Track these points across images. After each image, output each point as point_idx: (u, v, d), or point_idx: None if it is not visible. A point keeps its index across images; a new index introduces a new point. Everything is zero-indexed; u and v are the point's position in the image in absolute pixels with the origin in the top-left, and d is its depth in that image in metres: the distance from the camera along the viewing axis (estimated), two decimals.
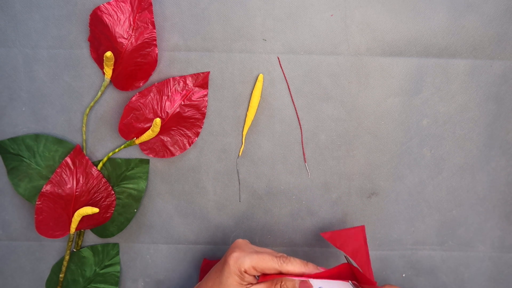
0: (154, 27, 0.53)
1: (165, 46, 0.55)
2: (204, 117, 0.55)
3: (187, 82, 0.55)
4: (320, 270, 0.45)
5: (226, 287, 0.45)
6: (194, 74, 0.55)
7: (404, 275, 0.59)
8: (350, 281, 0.46)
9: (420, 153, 0.57)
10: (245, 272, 0.44)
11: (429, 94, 0.56)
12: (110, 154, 0.56)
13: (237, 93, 0.56)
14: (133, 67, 0.54)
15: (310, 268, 0.45)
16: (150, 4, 0.52)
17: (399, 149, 0.57)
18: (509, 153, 0.58)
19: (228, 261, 0.45)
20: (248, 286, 0.45)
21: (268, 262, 0.44)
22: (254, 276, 0.46)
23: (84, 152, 0.56)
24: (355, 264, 0.46)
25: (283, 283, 0.45)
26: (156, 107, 0.54)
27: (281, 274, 0.45)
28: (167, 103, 0.54)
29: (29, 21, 0.54)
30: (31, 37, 0.54)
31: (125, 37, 0.53)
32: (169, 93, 0.54)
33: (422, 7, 0.54)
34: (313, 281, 0.45)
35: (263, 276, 0.45)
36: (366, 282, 0.44)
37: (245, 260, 0.44)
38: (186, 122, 0.55)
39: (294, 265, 0.45)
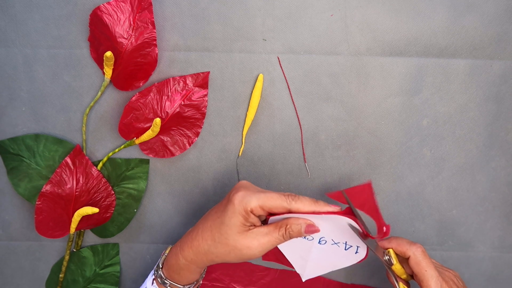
0: (154, 27, 0.53)
1: (165, 46, 0.55)
2: (204, 117, 0.55)
3: (187, 82, 0.55)
4: (331, 207, 0.43)
5: (228, 228, 0.42)
6: (194, 74, 0.55)
7: None
8: (354, 226, 0.43)
9: (420, 153, 0.57)
10: (251, 211, 0.42)
11: (429, 94, 0.56)
12: (110, 154, 0.56)
13: (237, 93, 0.56)
14: (133, 67, 0.54)
15: (321, 205, 0.43)
16: (150, 4, 0.52)
17: (399, 149, 0.57)
18: (509, 153, 0.58)
19: (233, 200, 0.42)
20: (251, 227, 0.43)
21: (276, 200, 0.42)
22: (258, 217, 0.44)
23: (84, 152, 0.56)
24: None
25: (288, 226, 0.43)
26: (156, 107, 0.54)
27: (289, 212, 0.43)
28: (167, 103, 0.54)
29: (29, 21, 0.54)
30: (31, 37, 0.54)
31: (125, 37, 0.53)
32: (169, 93, 0.54)
33: (422, 7, 0.54)
34: (317, 223, 0.43)
35: (270, 216, 0.43)
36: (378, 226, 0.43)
37: (252, 199, 0.42)
38: (186, 122, 0.55)
39: (304, 203, 0.43)
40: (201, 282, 0.49)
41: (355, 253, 0.46)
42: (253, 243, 0.42)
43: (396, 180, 0.58)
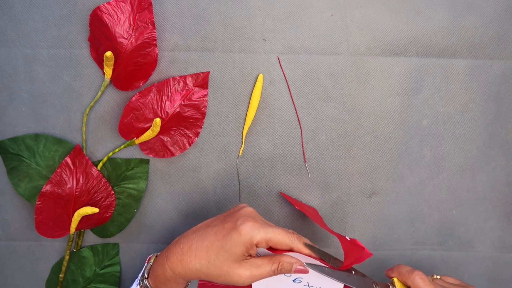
0: (154, 27, 0.53)
1: (165, 46, 0.55)
2: (204, 117, 0.55)
3: (187, 82, 0.55)
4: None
5: (227, 254, 0.43)
6: (194, 74, 0.55)
7: None
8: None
9: (420, 153, 0.57)
10: (256, 244, 0.43)
11: (429, 94, 0.56)
12: (110, 154, 0.56)
13: (237, 93, 0.56)
14: (133, 67, 0.54)
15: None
16: (150, 4, 0.52)
17: (399, 149, 0.57)
18: (509, 153, 0.58)
19: (240, 230, 0.42)
20: (248, 258, 0.44)
21: (283, 237, 0.43)
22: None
23: (84, 152, 0.56)
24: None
25: (280, 263, 0.44)
26: (156, 107, 0.54)
27: (290, 251, 0.44)
28: (167, 103, 0.54)
29: (29, 21, 0.54)
30: (31, 37, 0.54)
31: (125, 37, 0.53)
32: (169, 93, 0.54)
33: (422, 7, 0.54)
34: (306, 265, 0.45)
35: (273, 250, 0.44)
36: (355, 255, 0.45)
37: (260, 233, 0.42)
38: (186, 122, 0.55)
39: (305, 250, 0.44)
40: None
41: None
42: (245, 273, 0.43)
43: (396, 180, 0.58)
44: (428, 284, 0.44)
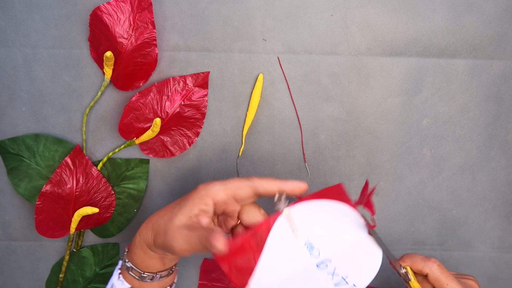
0: (154, 27, 0.53)
1: (165, 46, 0.55)
2: (204, 117, 0.55)
3: (187, 82, 0.55)
4: (304, 184, 0.42)
5: (179, 207, 0.41)
6: (194, 74, 0.55)
7: None
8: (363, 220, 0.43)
9: (420, 153, 0.57)
10: (215, 201, 0.41)
11: (429, 94, 0.56)
12: (110, 154, 0.56)
13: (237, 93, 0.56)
14: (133, 67, 0.54)
15: (290, 184, 0.42)
16: (150, 4, 0.52)
17: (399, 149, 0.57)
18: (509, 153, 0.58)
19: (198, 187, 0.42)
20: (197, 223, 0.41)
21: (239, 181, 0.42)
22: (212, 220, 0.43)
23: (84, 152, 0.56)
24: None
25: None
26: (156, 107, 0.54)
27: (258, 195, 0.42)
28: (167, 103, 0.54)
29: (29, 21, 0.54)
30: (31, 37, 0.54)
31: (125, 37, 0.53)
32: (169, 93, 0.54)
33: (422, 7, 0.54)
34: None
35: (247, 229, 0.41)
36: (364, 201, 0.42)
37: (215, 184, 0.41)
38: (186, 122, 0.55)
39: (268, 181, 0.42)
40: (175, 281, 0.48)
41: None
42: (183, 232, 0.40)
43: (396, 180, 0.58)
44: (446, 271, 0.44)
